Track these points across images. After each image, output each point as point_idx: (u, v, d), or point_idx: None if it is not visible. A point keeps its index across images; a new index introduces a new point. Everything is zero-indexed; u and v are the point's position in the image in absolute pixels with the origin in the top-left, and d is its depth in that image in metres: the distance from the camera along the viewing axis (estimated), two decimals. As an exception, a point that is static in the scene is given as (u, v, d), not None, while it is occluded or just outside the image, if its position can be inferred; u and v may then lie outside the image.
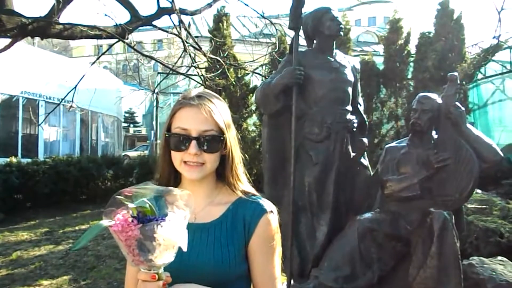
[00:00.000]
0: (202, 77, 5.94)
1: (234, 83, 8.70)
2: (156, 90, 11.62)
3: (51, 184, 8.83)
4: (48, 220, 7.98)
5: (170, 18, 5.02)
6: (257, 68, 7.20)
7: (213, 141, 1.17)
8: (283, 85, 3.08)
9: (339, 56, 3.39)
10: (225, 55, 6.90)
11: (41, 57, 13.09)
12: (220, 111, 1.20)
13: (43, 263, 5.35)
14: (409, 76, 10.64)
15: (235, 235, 1.19)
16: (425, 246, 2.83)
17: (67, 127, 14.63)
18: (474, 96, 11.85)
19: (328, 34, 3.25)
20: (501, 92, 11.69)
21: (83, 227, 7.43)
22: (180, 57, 6.29)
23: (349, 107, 3.33)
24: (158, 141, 14.15)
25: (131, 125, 32.85)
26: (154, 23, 5.09)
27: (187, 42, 5.35)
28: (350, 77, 3.34)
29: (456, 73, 3.11)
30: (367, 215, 3.14)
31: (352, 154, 3.31)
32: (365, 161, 3.44)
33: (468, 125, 3.02)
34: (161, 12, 4.91)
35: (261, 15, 5.74)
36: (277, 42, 6.38)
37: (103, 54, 5.62)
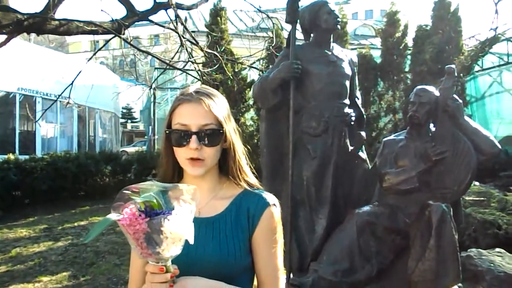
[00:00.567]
0: (199, 72, 5.93)
1: (231, 77, 8.68)
2: (153, 86, 11.64)
3: (49, 181, 8.82)
4: (46, 217, 7.97)
5: (167, 13, 5.00)
6: (254, 62, 7.20)
7: (213, 135, 1.19)
8: (280, 79, 3.08)
9: (336, 49, 3.38)
10: (222, 49, 6.88)
11: (38, 54, 13.04)
12: (218, 105, 1.21)
13: (42, 259, 5.35)
14: (407, 69, 10.62)
15: (239, 228, 1.22)
16: (423, 238, 2.84)
17: (64, 124, 14.61)
18: (472, 88, 11.85)
19: (325, 27, 3.24)
20: (498, 84, 11.69)
21: (82, 223, 7.43)
22: (177, 52, 6.27)
23: (347, 101, 3.32)
24: (156, 137, 14.15)
25: (129, 121, 32.84)
26: (150, 18, 5.08)
27: (183, 37, 5.33)
28: (348, 71, 3.33)
29: (453, 66, 3.10)
30: (366, 208, 3.15)
31: (350, 148, 3.31)
32: (363, 154, 3.44)
33: (466, 118, 3.03)
34: (158, 7, 4.89)
35: (258, 9, 5.72)
36: (274, 36, 6.36)
37: (99, 49, 5.60)
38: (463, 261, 3.31)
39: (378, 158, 3.25)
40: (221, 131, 1.20)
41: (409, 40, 10.64)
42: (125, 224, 0.98)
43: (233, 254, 1.18)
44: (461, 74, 9.25)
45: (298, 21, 3.22)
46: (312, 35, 3.38)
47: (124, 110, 30.06)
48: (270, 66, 3.90)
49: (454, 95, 3.01)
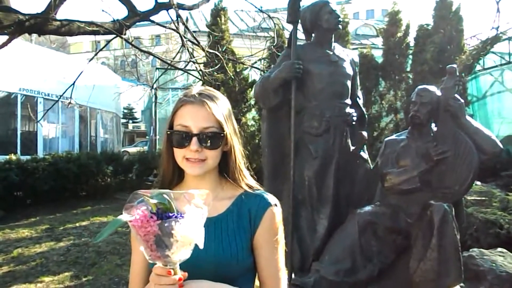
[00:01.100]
0: (200, 72, 5.93)
1: (232, 77, 8.69)
2: (155, 86, 11.65)
3: (51, 181, 8.83)
4: (48, 217, 7.98)
5: (168, 13, 5.00)
6: (256, 62, 7.20)
7: (214, 138, 1.19)
8: (281, 79, 3.08)
9: (337, 49, 3.38)
10: (223, 49, 6.87)
11: (39, 54, 13.05)
12: (220, 107, 1.22)
13: (44, 259, 5.36)
14: (408, 69, 10.60)
15: (241, 228, 1.22)
16: (425, 238, 2.84)
17: (66, 124, 14.61)
18: (473, 88, 11.81)
19: (327, 27, 3.24)
20: (500, 83, 11.65)
21: (83, 223, 7.44)
22: (178, 52, 6.27)
23: (348, 101, 3.32)
24: (157, 137, 14.16)
25: (130, 121, 32.87)
26: (151, 18, 5.07)
27: (185, 37, 5.33)
28: (349, 71, 3.33)
29: (455, 65, 3.10)
30: (367, 208, 3.15)
31: (352, 148, 3.32)
32: (364, 154, 3.44)
33: (467, 117, 3.02)
34: (159, 7, 4.89)
35: (259, 9, 5.72)
36: (275, 36, 6.36)
37: (101, 50, 5.59)
38: (464, 261, 3.31)
39: (380, 158, 3.25)
40: (222, 134, 1.20)
41: (411, 40, 10.61)
42: (136, 225, 0.98)
43: (235, 254, 1.18)
44: (463, 74, 9.24)
45: (300, 21, 3.23)
46: (313, 35, 3.38)
47: (126, 110, 30.07)
48: (272, 66, 3.90)
49: (456, 95, 3.00)
